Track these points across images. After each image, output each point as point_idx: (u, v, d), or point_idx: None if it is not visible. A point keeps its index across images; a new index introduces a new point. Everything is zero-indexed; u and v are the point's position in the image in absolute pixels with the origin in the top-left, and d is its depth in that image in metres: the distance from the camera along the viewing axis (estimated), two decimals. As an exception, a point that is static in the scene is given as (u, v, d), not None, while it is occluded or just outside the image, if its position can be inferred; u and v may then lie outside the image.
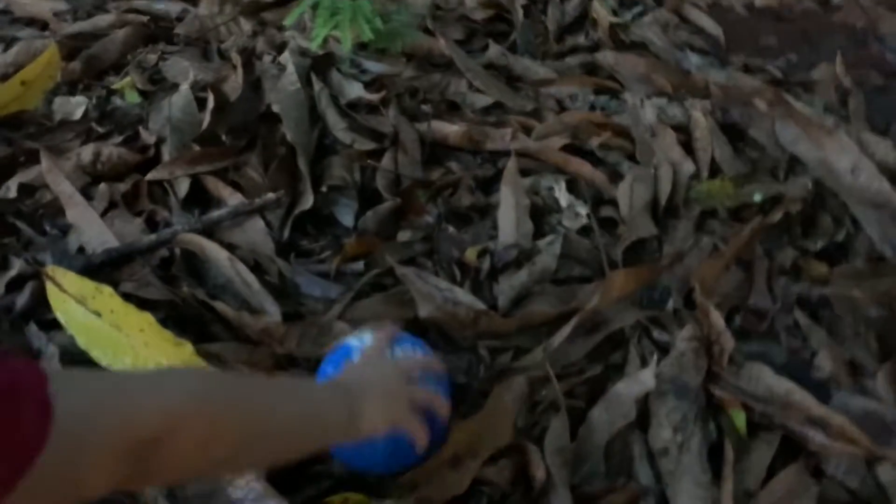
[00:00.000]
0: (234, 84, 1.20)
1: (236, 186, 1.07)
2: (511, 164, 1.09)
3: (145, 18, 1.40)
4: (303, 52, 1.28)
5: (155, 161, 1.10)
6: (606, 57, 1.32)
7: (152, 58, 1.32)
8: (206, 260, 0.97)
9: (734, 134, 1.19)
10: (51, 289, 0.90)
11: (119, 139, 1.13)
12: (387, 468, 0.75)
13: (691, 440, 0.80)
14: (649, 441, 0.80)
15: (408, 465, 0.74)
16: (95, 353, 0.86)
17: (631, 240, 0.99)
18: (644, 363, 0.87)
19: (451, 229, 1.05)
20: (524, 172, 1.11)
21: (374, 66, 1.27)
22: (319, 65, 1.25)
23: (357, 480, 0.76)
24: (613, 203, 1.08)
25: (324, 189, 1.07)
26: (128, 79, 1.27)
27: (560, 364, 0.86)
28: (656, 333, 0.90)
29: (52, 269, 0.91)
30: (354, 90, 1.21)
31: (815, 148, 1.14)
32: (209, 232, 1.00)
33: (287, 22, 1.28)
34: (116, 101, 1.23)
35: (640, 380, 0.83)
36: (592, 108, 1.22)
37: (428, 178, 1.11)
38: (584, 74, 1.30)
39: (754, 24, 1.47)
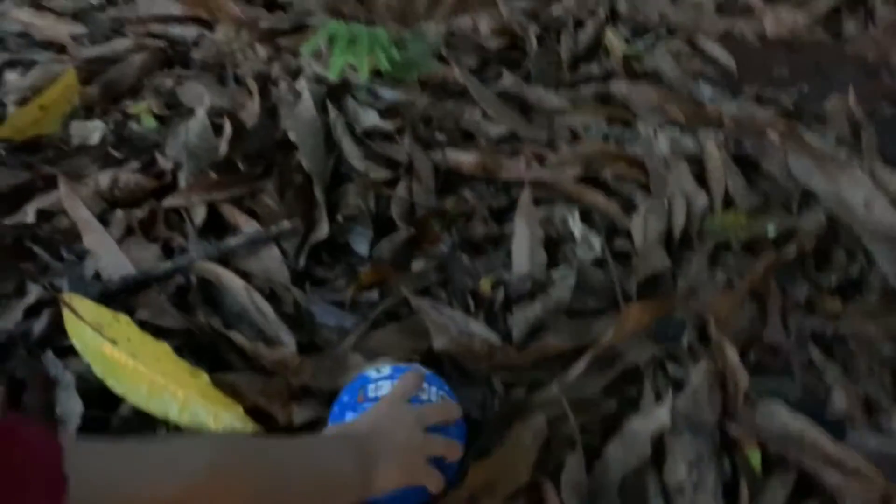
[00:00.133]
0: (251, 111, 1.22)
1: (252, 213, 1.08)
2: (525, 195, 1.09)
3: (162, 43, 1.41)
4: (318, 79, 1.30)
5: (171, 187, 1.11)
6: (620, 87, 1.33)
7: (169, 82, 1.33)
8: (221, 288, 0.98)
9: (747, 166, 1.19)
10: (67, 316, 0.91)
11: (136, 165, 1.14)
12: None
13: (706, 478, 0.79)
14: (664, 478, 0.80)
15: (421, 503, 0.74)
16: (111, 382, 0.86)
17: (645, 274, 0.99)
18: (659, 398, 0.87)
19: (465, 259, 1.05)
20: (538, 201, 1.12)
21: (389, 94, 1.27)
22: (335, 92, 1.26)
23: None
24: (627, 234, 1.08)
25: (339, 218, 1.08)
26: (144, 103, 1.28)
27: (575, 398, 0.86)
28: (671, 368, 0.90)
29: (68, 296, 0.92)
30: (370, 118, 1.22)
31: (828, 181, 1.14)
32: (225, 260, 1.01)
33: (304, 51, 1.29)
34: (133, 125, 1.24)
35: (655, 416, 0.83)
36: (606, 138, 1.23)
37: (442, 207, 1.12)
38: (597, 104, 1.30)
39: (766, 54, 1.48)
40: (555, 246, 1.07)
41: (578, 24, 1.49)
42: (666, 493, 0.79)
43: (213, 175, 1.10)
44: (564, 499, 0.76)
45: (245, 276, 0.99)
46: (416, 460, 0.71)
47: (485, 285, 1.01)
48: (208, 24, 1.44)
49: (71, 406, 0.83)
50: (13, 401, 0.84)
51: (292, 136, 1.17)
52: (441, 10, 1.50)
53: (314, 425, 0.83)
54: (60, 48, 1.44)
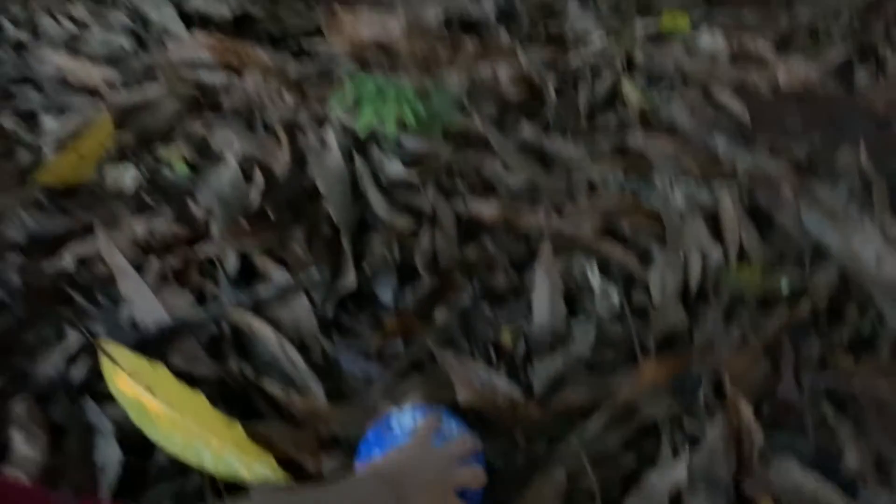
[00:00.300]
0: (280, 159, 1.26)
1: (281, 262, 1.12)
2: (546, 247, 1.13)
3: (193, 88, 1.46)
4: (344, 128, 1.34)
5: (204, 235, 1.15)
6: (636, 138, 1.36)
7: (199, 128, 1.38)
8: (253, 337, 1.01)
9: (761, 219, 1.23)
10: (105, 363, 0.94)
11: (169, 212, 1.18)
12: None
13: (722, 534, 0.82)
14: (681, 534, 0.83)
15: None
16: (147, 430, 0.89)
17: (663, 329, 1.03)
18: (676, 454, 0.89)
19: (486, 309, 1.08)
20: (556, 251, 1.15)
21: (413, 143, 1.31)
22: (361, 141, 1.30)
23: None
24: (645, 286, 1.11)
25: (365, 267, 1.12)
26: (175, 149, 1.33)
27: (595, 452, 0.89)
28: (687, 423, 0.93)
29: (106, 343, 0.95)
30: (394, 168, 1.26)
31: (840, 236, 1.17)
32: (256, 308, 1.04)
33: (332, 104, 1.34)
34: (165, 171, 1.28)
35: (672, 472, 0.86)
36: (623, 189, 1.27)
37: (464, 257, 1.15)
38: (614, 155, 1.34)
39: (779, 105, 1.51)
40: (574, 296, 1.10)
41: (596, 73, 1.53)
42: (683, 549, 0.82)
43: (244, 224, 1.14)
44: (585, 554, 0.79)
45: (275, 324, 1.02)
46: (445, 495, 0.75)
47: (506, 336, 1.04)
48: (237, 71, 1.49)
49: (110, 454, 0.87)
50: (54, 447, 0.88)
51: (320, 185, 1.21)
52: (462, 58, 1.54)
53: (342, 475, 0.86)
54: (94, 92, 1.49)
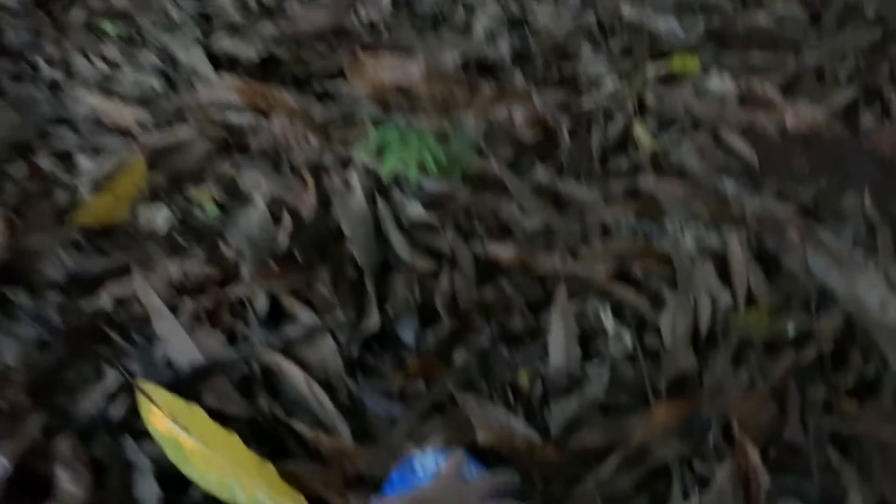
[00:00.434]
0: (307, 202, 1.31)
1: (308, 303, 1.17)
2: (561, 291, 1.17)
3: (222, 130, 1.52)
4: (367, 169, 1.40)
5: (234, 275, 1.20)
6: (647, 181, 1.41)
7: (228, 169, 1.43)
8: (282, 377, 1.06)
9: (768, 262, 1.27)
10: (142, 402, 0.99)
11: (200, 253, 1.24)
12: None
13: (731, 575, 0.86)
14: (692, 575, 0.87)
15: None
16: (184, 468, 0.94)
17: (674, 373, 1.07)
18: (686, 496, 0.94)
19: (504, 351, 1.13)
20: (571, 293, 1.20)
21: (433, 186, 1.37)
22: (383, 184, 1.36)
23: None
24: (656, 329, 1.16)
25: (388, 308, 1.17)
26: (206, 189, 1.38)
27: (609, 494, 0.93)
28: (697, 465, 0.98)
29: (143, 383, 1.01)
30: (414, 210, 1.32)
31: (845, 281, 1.21)
32: (285, 349, 1.09)
33: (357, 151, 1.39)
34: (196, 212, 1.34)
35: (683, 514, 0.91)
36: (635, 233, 1.31)
37: (482, 299, 1.20)
38: (626, 198, 1.39)
39: (787, 148, 1.56)
40: (588, 339, 1.15)
41: (608, 115, 1.59)
42: (693, 589, 0.86)
43: (273, 265, 1.20)
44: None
45: (303, 364, 1.08)
46: None
47: (523, 378, 1.09)
48: (264, 113, 1.55)
49: (149, 491, 0.92)
50: (97, 483, 0.93)
51: (344, 227, 1.27)
52: (479, 100, 1.60)
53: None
54: (127, 132, 1.55)
